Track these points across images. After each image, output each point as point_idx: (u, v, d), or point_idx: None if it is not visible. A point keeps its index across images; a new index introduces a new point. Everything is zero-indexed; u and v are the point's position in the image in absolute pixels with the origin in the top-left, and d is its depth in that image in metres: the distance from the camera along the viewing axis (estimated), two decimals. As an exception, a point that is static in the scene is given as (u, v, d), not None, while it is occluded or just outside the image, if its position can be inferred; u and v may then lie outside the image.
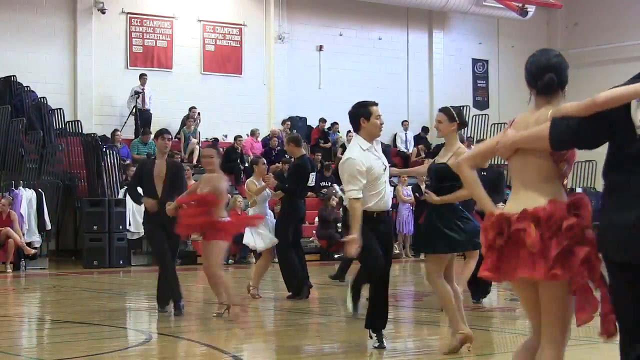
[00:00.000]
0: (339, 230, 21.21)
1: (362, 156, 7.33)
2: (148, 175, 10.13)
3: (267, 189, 12.05)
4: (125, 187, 19.39)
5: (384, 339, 7.71)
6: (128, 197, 18.98)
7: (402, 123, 26.78)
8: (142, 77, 22.57)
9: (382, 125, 7.60)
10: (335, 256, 20.96)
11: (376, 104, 7.57)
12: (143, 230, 14.87)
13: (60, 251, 20.85)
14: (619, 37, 28.77)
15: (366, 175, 7.27)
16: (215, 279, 9.80)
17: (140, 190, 10.45)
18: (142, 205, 10.63)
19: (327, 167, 23.35)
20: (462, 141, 11.46)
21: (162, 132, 10.42)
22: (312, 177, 12.69)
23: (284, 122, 24.53)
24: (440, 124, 7.48)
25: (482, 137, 24.94)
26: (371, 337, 7.74)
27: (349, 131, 25.38)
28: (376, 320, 7.68)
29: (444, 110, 7.57)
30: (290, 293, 12.05)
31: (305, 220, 21.59)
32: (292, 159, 13.25)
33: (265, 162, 11.81)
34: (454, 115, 7.45)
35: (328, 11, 26.57)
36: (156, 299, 10.43)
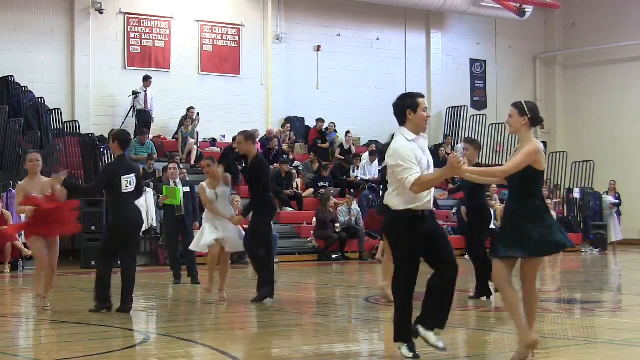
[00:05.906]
0: (337, 230, 21.22)
1: (408, 145, 6.88)
2: None
3: (224, 186, 11.81)
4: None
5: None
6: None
7: (400, 123, 26.76)
8: (147, 79, 22.55)
9: (429, 118, 7.12)
10: (333, 256, 20.96)
11: (423, 96, 7.13)
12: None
13: (57, 251, 20.82)
14: (617, 37, 28.80)
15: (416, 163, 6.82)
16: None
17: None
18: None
19: (325, 168, 23.30)
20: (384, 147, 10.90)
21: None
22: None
23: (283, 125, 24.52)
24: (511, 118, 6.94)
25: (479, 138, 24.95)
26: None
27: (348, 132, 25.42)
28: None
29: (515, 104, 7.01)
30: (258, 295, 11.33)
31: (304, 220, 21.78)
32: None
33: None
34: (524, 109, 6.90)
35: (326, 11, 26.57)
36: (95, 298, 10.59)
